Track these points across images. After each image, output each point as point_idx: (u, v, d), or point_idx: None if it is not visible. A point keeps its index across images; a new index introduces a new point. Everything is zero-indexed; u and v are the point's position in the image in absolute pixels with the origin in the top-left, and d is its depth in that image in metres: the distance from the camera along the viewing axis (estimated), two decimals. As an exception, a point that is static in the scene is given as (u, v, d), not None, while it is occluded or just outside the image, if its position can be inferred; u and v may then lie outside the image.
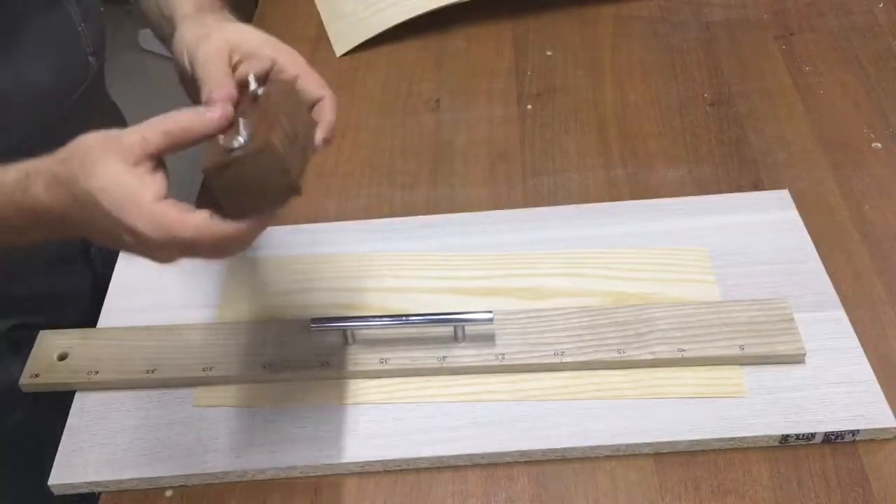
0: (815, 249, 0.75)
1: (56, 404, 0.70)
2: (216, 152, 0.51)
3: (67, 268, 0.80)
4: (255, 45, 0.59)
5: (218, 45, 0.58)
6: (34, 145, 0.64)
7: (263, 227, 0.54)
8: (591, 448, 0.64)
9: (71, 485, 0.65)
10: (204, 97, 0.55)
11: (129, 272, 0.79)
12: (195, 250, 0.53)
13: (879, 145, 0.86)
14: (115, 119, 0.92)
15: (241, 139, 0.50)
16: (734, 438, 0.64)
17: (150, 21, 0.71)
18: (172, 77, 0.63)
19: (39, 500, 0.68)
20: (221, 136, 0.52)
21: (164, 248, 0.52)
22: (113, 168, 0.51)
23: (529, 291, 0.74)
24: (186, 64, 0.59)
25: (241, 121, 0.51)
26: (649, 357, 0.68)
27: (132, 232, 0.51)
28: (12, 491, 0.84)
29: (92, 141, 0.53)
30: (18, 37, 0.62)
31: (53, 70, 0.69)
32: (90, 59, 0.73)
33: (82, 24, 0.71)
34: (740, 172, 0.85)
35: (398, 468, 0.65)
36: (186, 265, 0.78)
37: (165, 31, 0.66)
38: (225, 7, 0.66)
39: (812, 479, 0.63)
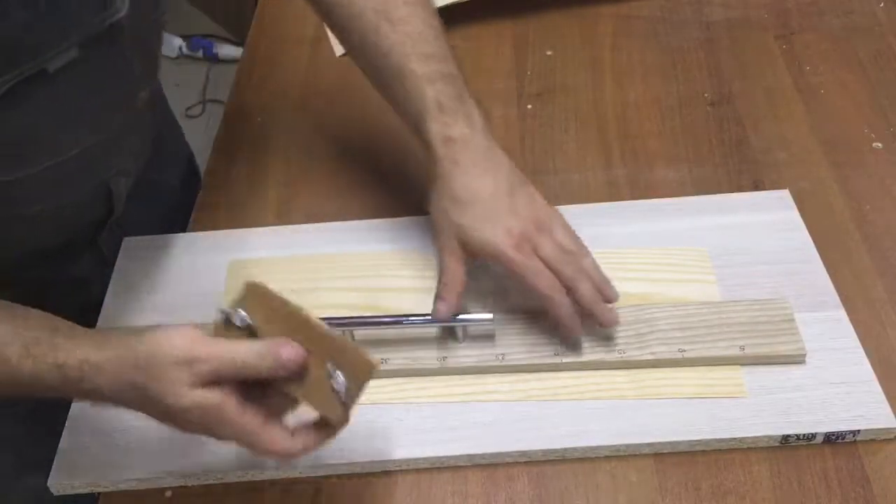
0: (815, 249, 0.75)
1: (56, 404, 0.70)
2: (329, 397, 0.55)
3: (75, 254, 0.81)
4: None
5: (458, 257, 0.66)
6: (77, 162, 0.69)
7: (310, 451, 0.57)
8: (591, 448, 0.64)
9: (71, 485, 0.65)
10: (440, 289, 0.66)
11: (129, 272, 0.79)
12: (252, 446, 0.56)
13: (880, 145, 0.86)
14: (164, 112, 0.93)
15: (340, 383, 0.54)
16: (734, 439, 0.64)
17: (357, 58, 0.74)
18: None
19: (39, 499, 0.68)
20: (330, 382, 0.54)
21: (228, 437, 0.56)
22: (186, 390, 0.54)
23: (530, 291, 0.74)
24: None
25: (330, 364, 0.55)
26: (650, 357, 0.68)
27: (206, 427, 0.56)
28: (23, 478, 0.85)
29: (165, 359, 0.54)
30: (67, 83, 0.63)
31: (100, 107, 0.70)
32: (140, 93, 0.74)
33: (140, 64, 0.71)
34: (740, 172, 0.85)
35: (398, 468, 0.65)
36: (186, 265, 0.79)
37: (387, 84, 0.71)
38: (466, 96, 0.69)
39: (812, 479, 0.63)
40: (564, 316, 0.65)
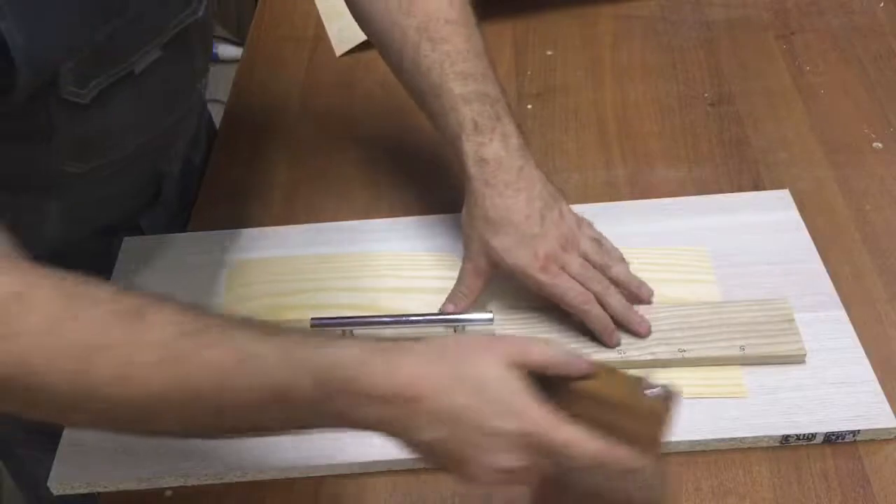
0: (815, 249, 0.75)
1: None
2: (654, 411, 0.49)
3: (117, 235, 0.82)
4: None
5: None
6: (143, 149, 0.71)
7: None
8: (592, 448, 0.64)
9: (70, 485, 0.65)
10: (455, 296, 0.68)
11: (129, 272, 0.79)
12: (553, 456, 0.48)
13: (880, 145, 0.86)
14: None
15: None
16: (734, 439, 0.64)
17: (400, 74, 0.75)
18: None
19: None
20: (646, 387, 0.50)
21: (513, 450, 0.48)
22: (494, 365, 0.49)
23: (529, 291, 0.74)
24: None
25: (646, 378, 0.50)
26: (650, 357, 0.67)
27: (493, 429, 0.48)
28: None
29: (467, 342, 0.51)
30: (147, 82, 0.66)
31: (168, 103, 0.73)
32: (198, 84, 0.77)
33: (199, 61, 0.74)
34: (740, 172, 0.85)
35: (398, 468, 0.65)
36: (186, 264, 0.79)
37: (428, 104, 0.72)
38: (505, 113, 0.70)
39: (812, 479, 0.63)
40: (603, 328, 0.67)
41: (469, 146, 0.68)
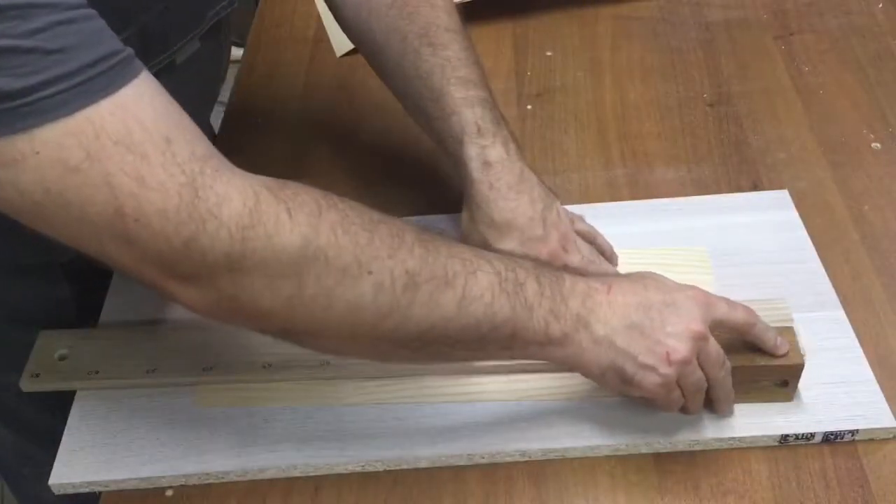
0: (814, 249, 0.76)
1: (56, 404, 0.70)
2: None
3: None
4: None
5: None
6: None
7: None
8: (591, 448, 0.64)
9: (71, 484, 0.65)
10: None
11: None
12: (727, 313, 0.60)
13: (879, 145, 0.86)
14: None
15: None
16: (733, 438, 0.64)
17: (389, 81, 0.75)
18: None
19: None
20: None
21: (696, 321, 0.58)
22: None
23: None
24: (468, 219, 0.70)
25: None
26: (649, 357, 0.68)
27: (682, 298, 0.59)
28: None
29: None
30: (186, 75, 0.66)
31: (201, 100, 0.74)
32: (220, 84, 0.78)
33: (226, 58, 0.76)
34: (740, 172, 0.85)
35: (398, 468, 0.65)
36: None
37: (426, 110, 0.71)
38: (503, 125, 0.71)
39: (811, 478, 0.63)
40: None
41: (473, 149, 0.68)
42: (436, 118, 0.71)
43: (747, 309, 0.62)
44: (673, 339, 0.58)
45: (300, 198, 0.50)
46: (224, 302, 0.50)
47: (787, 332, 0.64)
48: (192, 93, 0.69)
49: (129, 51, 0.48)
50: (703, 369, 0.60)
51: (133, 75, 0.48)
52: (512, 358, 0.60)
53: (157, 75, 0.62)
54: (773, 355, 0.63)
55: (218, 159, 0.50)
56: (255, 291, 0.50)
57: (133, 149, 0.46)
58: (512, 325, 0.56)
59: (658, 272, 0.73)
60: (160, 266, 0.49)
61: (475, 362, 0.65)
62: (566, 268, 0.62)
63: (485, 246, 0.69)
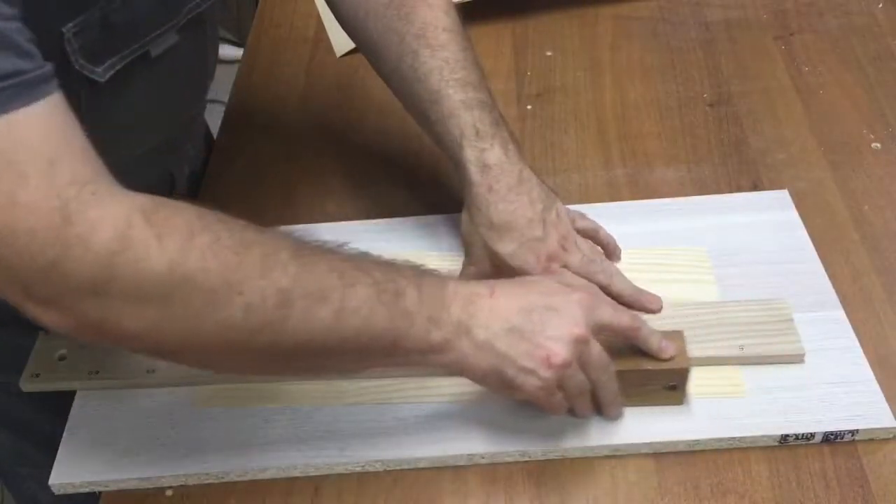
0: (814, 249, 0.75)
1: (56, 404, 0.70)
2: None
3: None
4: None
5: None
6: (154, 153, 0.71)
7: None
8: (591, 448, 0.64)
9: (71, 484, 0.65)
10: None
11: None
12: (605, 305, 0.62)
13: (879, 145, 0.86)
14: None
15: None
16: (733, 438, 0.64)
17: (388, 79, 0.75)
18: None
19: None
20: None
21: (578, 325, 0.59)
22: None
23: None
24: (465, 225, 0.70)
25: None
26: (649, 357, 0.68)
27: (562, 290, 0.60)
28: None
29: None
30: (163, 68, 0.66)
31: (183, 95, 0.73)
32: (208, 82, 0.77)
33: (211, 53, 0.75)
34: (740, 172, 0.85)
35: (398, 468, 0.65)
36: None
37: (423, 110, 0.71)
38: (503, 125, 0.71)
39: (811, 478, 0.63)
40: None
41: (471, 152, 0.68)
42: (434, 121, 0.71)
43: (633, 314, 0.63)
44: (553, 343, 0.58)
45: (173, 222, 0.50)
46: (88, 325, 0.51)
47: (676, 336, 0.64)
48: (171, 87, 0.69)
49: (42, 72, 0.49)
50: (585, 372, 0.61)
51: (35, 97, 0.48)
52: (398, 366, 0.61)
53: (131, 67, 0.62)
54: (659, 359, 0.63)
55: (100, 184, 0.50)
56: (122, 315, 0.50)
57: (13, 167, 0.47)
58: (392, 335, 0.56)
59: (658, 272, 0.74)
60: (21, 286, 0.49)
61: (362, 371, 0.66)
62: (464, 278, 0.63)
63: (485, 248, 0.69)
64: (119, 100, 0.64)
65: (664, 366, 0.63)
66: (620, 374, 0.63)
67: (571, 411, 0.63)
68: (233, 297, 0.50)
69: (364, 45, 0.77)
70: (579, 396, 0.62)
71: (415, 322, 0.56)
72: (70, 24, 0.58)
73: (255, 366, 0.58)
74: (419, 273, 0.59)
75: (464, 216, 0.71)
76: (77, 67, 0.59)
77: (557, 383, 0.60)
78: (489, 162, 0.68)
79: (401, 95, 0.75)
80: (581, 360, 0.60)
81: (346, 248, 0.58)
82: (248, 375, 0.67)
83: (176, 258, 0.49)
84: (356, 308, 0.54)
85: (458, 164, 0.70)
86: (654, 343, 0.63)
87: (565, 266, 0.68)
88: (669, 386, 0.64)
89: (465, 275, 0.71)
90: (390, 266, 0.58)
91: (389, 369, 0.64)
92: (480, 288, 0.60)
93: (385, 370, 0.65)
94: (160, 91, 0.68)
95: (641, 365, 0.63)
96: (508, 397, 0.62)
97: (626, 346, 0.63)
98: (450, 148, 0.70)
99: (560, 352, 0.58)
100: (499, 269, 0.69)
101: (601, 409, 0.64)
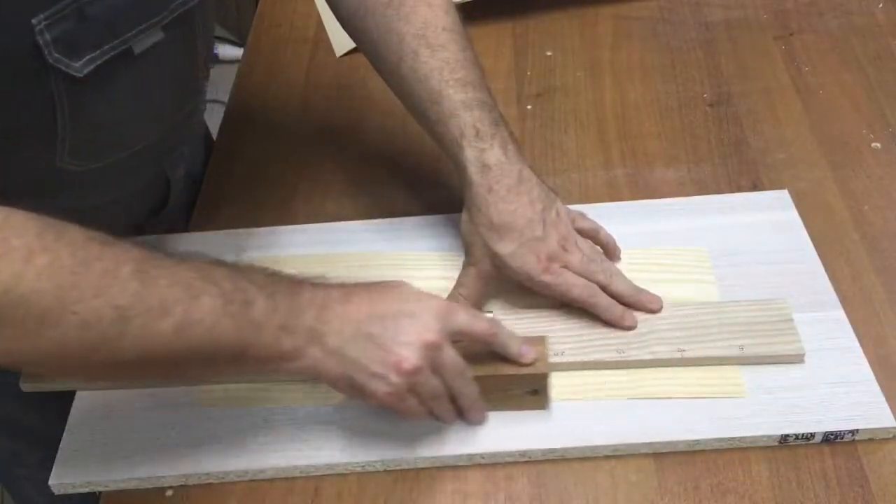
0: (814, 249, 0.75)
1: (56, 404, 0.70)
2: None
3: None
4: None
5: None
6: (145, 152, 0.70)
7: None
8: (591, 448, 0.64)
9: (71, 484, 0.65)
10: (457, 297, 0.70)
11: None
12: (461, 326, 0.61)
13: (879, 145, 0.86)
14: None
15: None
16: (734, 438, 0.64)
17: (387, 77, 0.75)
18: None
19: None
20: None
21: (429, 331, 0.59)
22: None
23: (529, 291, 0.74)
24: (463, 230, 0.71)
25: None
26: (649, 357, 0.68)
27: (411, 313, 0.60)
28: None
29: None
30: (148, 66, 0.65)
31: (172, 94, 0.72)
32: (201, 82, 0.76)
33: (202, 52, 0.73)
34: (740, 172, 0.85)
35: (398, 468, 0.65)
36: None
37: (424, 110, 0.72)
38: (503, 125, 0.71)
39: (811, 478, 0.63)
40: (614, 315, 0.69)
41: (471, 152, 0.69)
42: (435, 121, 0.71)
43: (490, 320, 0.64)
44: (404, 349, 0.59)
45: (10, 244, 0.50)
46: None
47: (538, 341, 0.65)
48: (158, 86, 0.68)
49: None
50: (440, 378, 0.61)
51: None
52: (251, 373, 0.62)
53: (112, 63, 0.61)
54: (519, 364, 0.64)
55: None
56: None
57: None
58: (240, 345, 0.56)
59: (658, 272, 0.74)
60: None
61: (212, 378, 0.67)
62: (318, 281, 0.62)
63: (485, 248, 0.69)
64: (102, 97, 0.63)
65: (524, 371, 0.64)
66: (481, 380, 0.63)
67: (433, 416, 0.64)
68: (66, 316, 0.51)
69: (364, 45, 0.77)
70: (435, 401, 0.62)
71: (264, 331, 0.57)
72: (41, 15, 0.57)
73: (102, 376, 0.60)
74: (273, 281, 0.59)
75: (464, 216, 0.71)
76: (51, 61, 0.58)
77: (409, 389, 0.60)
78: (489, 162, 0.68)
79: (401, 95, 0.74)
80: (434, 365, 0.60)
81: (198, 258, 0.58)
82: (101, 382, 0.68)
83: (9, 281, 0.50)
84: (200, 320, 0.54)
85: (458, 165, 0.70)
86: (514, 348, 0.63)
87: (565, 266, 0.68)
88: (531, 391, 0.65)
89: (466, 275, 0.71)
90: (242, 275, 0.58)
91: (248, 376, 0.65)
92: (336, 293, 0.60)
93: (249, 377, 0.66)
94: (146, 90, 0.67)
95: (501, 370, 0.64)
96: (364, 403, 0.62)
97: (489, 352, 0.64)
98: (450, 148, 0.70)
99: (410, 357, 0.59)
100: (499, 270, 0.69)
101: (462, 414, 0.65)
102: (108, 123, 0.66)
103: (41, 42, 0.57)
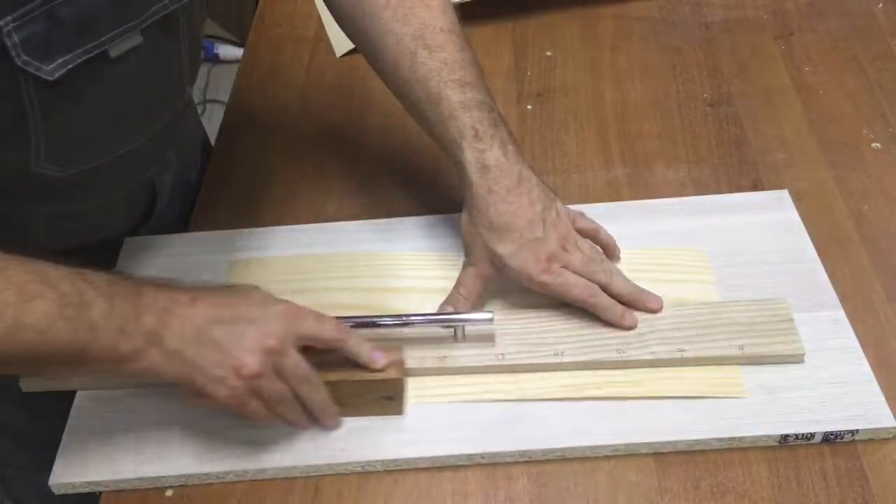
0: (814, 249, 0.76)
1: (56, 404, 0.70)
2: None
3: (114, 249, 0.82)
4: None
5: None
6: (128, 157, 0.70)
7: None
8: (591, 448, 0.64)
9: (71, 484, 0.65)
10: (456, 298, 0.71)
11: (130, 272, 0.79)
12: (307, 334, 0.62)
13: (879, 145, 0.86)
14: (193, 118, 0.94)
15: None
16: (734, 438, 0.64)
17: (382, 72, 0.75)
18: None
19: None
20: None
21: (272, 336, 0.60)
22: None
23: (529, 291, 0.74)
24: (463, 228, 0.71)
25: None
26: (649, 357, 0.68)
27: (251, 317, 0.61)
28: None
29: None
30: (127, 71, 0.64)
31: (155, 100, 0.71)
32: (187, 88, 0.75)
33: (188, 57, 0.72)
34: (740, 172, 0.85)
35: (398, 468, 0.65)
36: (186, 265, 0.79)
37: (423, 111, 0.72)
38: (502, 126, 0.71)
39: (811, 478, 0.63)
40: (614, 315, 0.69)
41: (470, 153, 0.68)
42: (434, 122, 0.71)
43: (339, 326, 0.65)
44: (245, 353, 0.59)
45: None
46: None
47: (393, 348, 0.66)
48: (138, 92, 0.66)
49: None
50: (285, 383, 0.61)
51: None
52: (92, 373, 0.63)
53: (87, 67, 0.60)
54: (371, 370, 0.65)
55: None
56: None
57: None
58: (76, 347, 0.56)
59: (658, 272, 0.74)
60: None
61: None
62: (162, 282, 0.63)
63: (485, 249, 0.69)
64: (76, 102, 0.62)
65: (376, 376, 0.64)
66: (335, 385, 0.64)
67: (284, 421, 0.64)
68: None
69: (363, 46, 0.77)
70: (282, 406, 0.62)
71: (100, 334, 0.57)
72: (9, 17, 0.55)
73: None
74: (113, 283, 0.59)
75: (463, 217, 0.71)
76: (20, 63, 0.57)
77: (251, 392, 0.60)
78: (488, 163, 0.68)
79: (400, 97, 0.74)
80: (277, 370, 0.61)
81: (38, 260, 0.58)
82: (99, 382, 0.70)
83: None
84: (32, 324, 0.55)
85: (458, 165, 0.70)
86: (364, 354, 0.64)
87: (565, 266, 0.68)
88: (386, 396, 0.66)
89: (466, 275, 0.71)
90: (81, 277, 0.58)
91: (89, 374, 0.66)
92: (181, 296, 0.61)
93: (88, 374, 0.67)
94: (127, 95, 0.66)
95: (353, 376, 0.64)
96: (204, 405, 0.62)
97: (345, 357, 0.64)
98: (449, 149, 0.70)
99: (249, 362, 0.59)
100: (499, 270, 0.69)
101: (314, 418, 0.65)
102: (86, 128, 0.65)
103: (9, 44, 0.56)
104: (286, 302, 0.63)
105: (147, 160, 0.77)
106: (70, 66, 0.59)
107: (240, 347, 0.59)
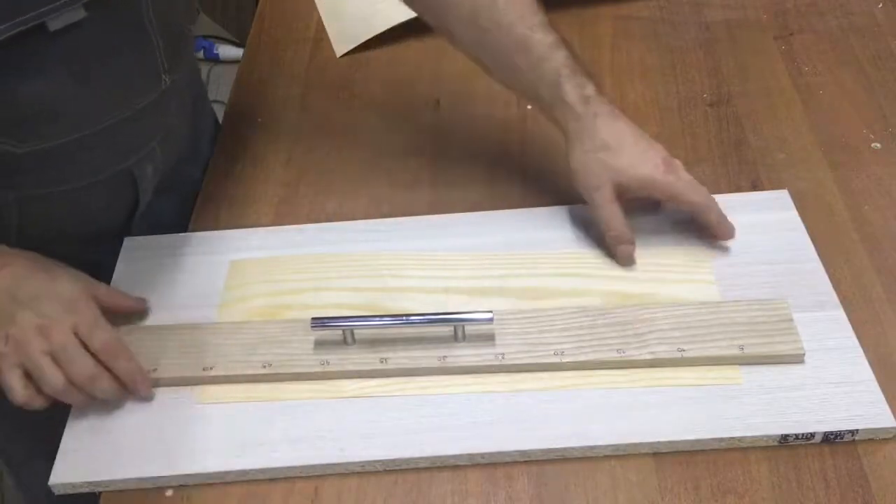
0: (814, 249, 0.76)
1: (56, 404, 0.70)
2: None
3: (104, 245, 0.81)
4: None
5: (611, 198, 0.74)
6: (97, 139, 0.70)
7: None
8: (591, 448, 0.64)
9: (71, 484, 0.65)
10: (616, 237, 0.74)
11: (130, 272, 0.79)
12: (84, 333, 0.66)
13: (879, 145, 0.86)
14: (203, 110, 0.95)
15: None
16: (734, 438, 0.64)
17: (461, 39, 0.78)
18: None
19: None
20: None
21: (52, 323, 0.65)
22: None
23: (529, 291, 0.74)
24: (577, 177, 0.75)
25: None
26: (649, 357, 0.68)
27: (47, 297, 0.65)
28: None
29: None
30: (74, 46, 0.64)
31: (121, 83, 0.71)
32: (164, 76, 0.75)
33: (159, 42, 0.72)
34: (740, 172, 0.85)
35: (398, 468, 0.65)
36: (186, 265, 0.79)
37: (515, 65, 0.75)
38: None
39: (811, 478, 0.63)
40: (721, 221, 0.75)
41: (570, 87, 0.73)
42: (524, 69, 0.74)
43: (109, 344, 0.67)
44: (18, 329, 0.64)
45: None
46: None
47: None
48: (94, 69, 0.66)
49: None
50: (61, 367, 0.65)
51: None
52: None
53: (25, 37, 0.59)
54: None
55: None
56: None
57: None
58: None
59: (658, 272, 0.74)
60: None
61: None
62: None
63: (606, 170, 0.72)
64: (22, 76, 0.62)
65: None
66: None
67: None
68: None
69: (429, 10, 0.79)
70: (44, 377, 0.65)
71: None
72: None
73: None
74: None
75: (574, 153, 0.74)
76: None
77: (15, 360, 0.64)
78: (588, 93, 0.73)
79: (478, 48, 0.76)
80: (50, 354, 0.65)
81: None
82: None
83: None
84: None
85: (559, 102, 0.74)
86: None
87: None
88: None
89: (601, 210, 0.74)
90: None
91: None
92: None
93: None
94: (76, 73, 0.65)
95: None
96: None
97: None
98: (544, 90, 0.74)
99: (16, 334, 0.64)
100: (620, 185, 0.73)
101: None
102: (36, 104, 0.65)
103: None
104: (85, 298, 0.67)
105: (125, 147, 0.76)
106: (5, 36, 0.59)
107: (11, 323, 0.64)
